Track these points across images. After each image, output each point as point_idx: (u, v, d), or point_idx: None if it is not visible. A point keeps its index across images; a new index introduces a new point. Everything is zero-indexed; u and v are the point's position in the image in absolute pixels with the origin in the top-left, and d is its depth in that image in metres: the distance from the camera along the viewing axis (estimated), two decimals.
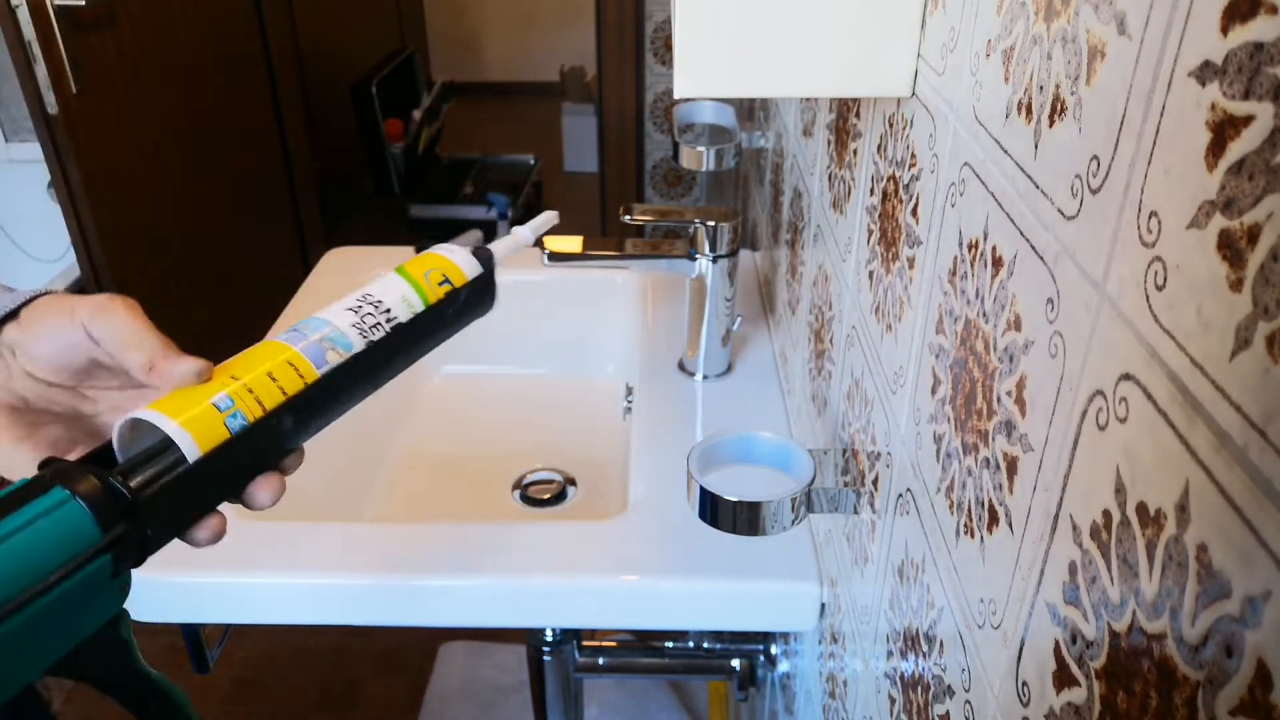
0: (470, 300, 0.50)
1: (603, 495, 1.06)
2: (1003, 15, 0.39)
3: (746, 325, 1.09)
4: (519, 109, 4.70)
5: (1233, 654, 0.22)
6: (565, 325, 1.24)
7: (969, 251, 0.42)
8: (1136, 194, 0.28)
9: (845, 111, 0.70)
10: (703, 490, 0.59)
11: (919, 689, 0.49)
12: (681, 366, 1.04)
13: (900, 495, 0.53)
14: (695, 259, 0.97)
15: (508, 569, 0.76)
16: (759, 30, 0.50)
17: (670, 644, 1.01)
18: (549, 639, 0.98)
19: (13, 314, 0.45)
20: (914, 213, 0.51)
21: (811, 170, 0.84)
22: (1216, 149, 0.23)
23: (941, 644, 0.45)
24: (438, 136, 3.65)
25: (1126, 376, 0.28)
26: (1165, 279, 0.26)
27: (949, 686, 0.44)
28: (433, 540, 0.79)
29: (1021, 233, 0.36)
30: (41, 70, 1.62)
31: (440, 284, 0.49)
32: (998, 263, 0.39)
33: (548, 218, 0.58)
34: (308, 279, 1.23)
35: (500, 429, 1.18)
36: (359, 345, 0.45)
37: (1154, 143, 0.27)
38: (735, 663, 1.00)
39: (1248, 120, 0.22)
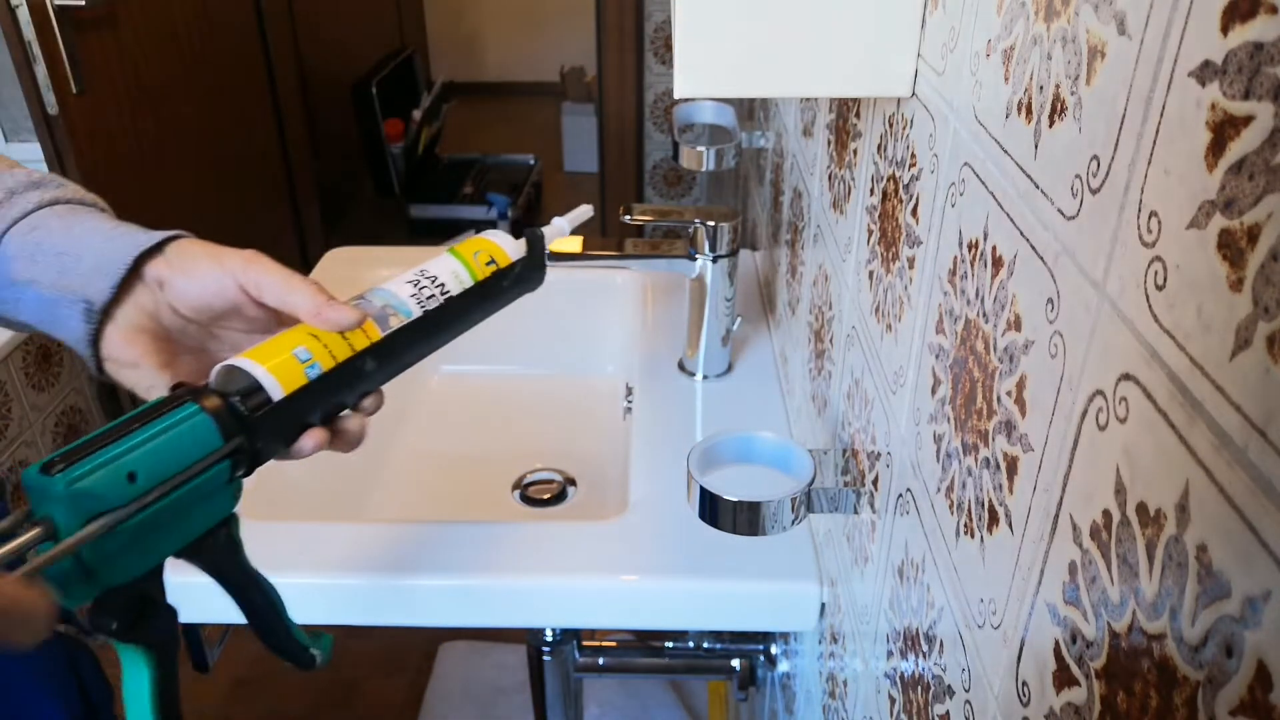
0: (519, 277, 0.57)
1: (603, 495, 1.06)
2: (1003, 15, 0.39)
3: (746, 325, 1.09)
4: (519, 109, 4.70)
5: (1233, 654, 0.22)
6: (565, 325, 1.24)
7: (969, 251, 0.42)
8: (1136, 194, 0.28)
9: (845, 111, 0.70)
10: (703, 490, 0.59)
11: (919, 689, 0.49)
12: (681, 366, 1.04)
13: (900, 495, 0.53)
14: (695, 259, 0.97)
15: (508, 569, 0.76)
16: (759, 30, 0.50)
17: (670, 644, 1.01)
18: (549, 639, 0.98)
19: (157, 248, 0.50)
20: (914, 213, 0.51)
21: (811, 170, 0.84)
22: (1216, 149, 0.23)
23: (941, 644, 0.45)
24: (438, 136, 3.65)
25: (1126, 376, 0.28)
26: (1165, 279, 0.26)
27: (949, 686, 0.44)
28: (433, 540, 0.79)
29: (1021, 233, 0.36)
30: (41, 70, 1.61)
31: (487, 264, 0.56)
32: (998, 263, 0.39)
33: (583, 211, 0.64)
34: None
35: (500, 429, 1.18)
36: (417, 313, 0.53)
37: (1154, 143, 0.27)
38: (735, 663, 1.00)
39: (1248, 120, 0.22)
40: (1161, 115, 0.26)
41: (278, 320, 0.52)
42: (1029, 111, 0.36)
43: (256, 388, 0.45)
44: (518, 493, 1.07)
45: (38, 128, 1.66)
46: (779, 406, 0.97)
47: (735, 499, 0.58)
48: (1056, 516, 0.33)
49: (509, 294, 0.58)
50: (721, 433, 0.63)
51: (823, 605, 0.75)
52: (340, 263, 1.27)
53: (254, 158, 2.41)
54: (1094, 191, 0.30)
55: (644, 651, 1.02)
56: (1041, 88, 0.35)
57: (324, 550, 0.78)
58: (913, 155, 0.52)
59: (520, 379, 1.24)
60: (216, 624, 0.86)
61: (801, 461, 0.62)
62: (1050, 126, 0.34)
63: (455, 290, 0.55)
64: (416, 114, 3.41)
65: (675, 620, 0.79)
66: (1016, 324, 0.37)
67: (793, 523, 0.60)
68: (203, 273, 0.50)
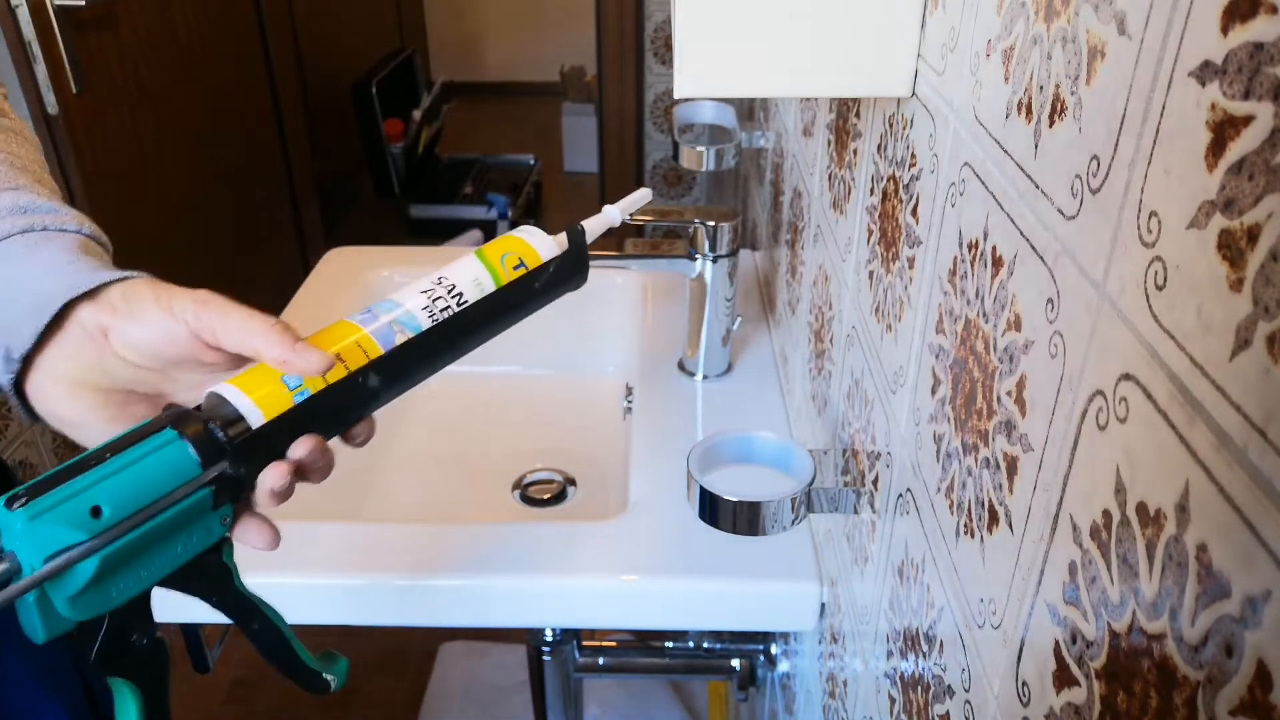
0: (554, 278, 0.52)
1: (603, 495, 1.06)
2: (1003, 15, 0.39)
3: (746, 325, 1.09)
4: (519, 109, 4.70)
5: (1233, 654, 0.22)
6: (565, 325, 1.24)
7: (969, 251, 0.42)
8: (1136, 194, 0.28)
9: (845, 111, 0.70)
10: (703, 490, 0.59)
11: (919, 689, 0.49)
12: (681, 366, 1.04)
13: (900, 495, 0.53)
14: (695, 259, 0.97)
15: (508, 569, 0.76)
16: (759, 30, 0.50)
17: (670, 644, 1.01)
18: (549, 639, 0.98)
19: (97, 291, 0.46)
20: (914, 213, 0.51)
21: (811, 170, 0.84)
22: (1216, 149, 0.23)
23: (941, 644, 0.45)
24: (438, 136, 3.65)
25: (1126, 376, 0.28)
26: (1165, 279, 0.26)
27: (949, 686, 0.44)
28: (432, 540, 0.79)
29: (1021, 233, 0.36)
30: (41, 70, 1.61)
31: (515, 267, 0.51)
32: (998, 263, 0.39)
33: (641, 195, 0.61)
34: (308, 279, 1.23)
35: (500, 429, 1.18)
36: (426, 325, 0.48)
37: (1154, 143, 0.27)
38: (735, 663, 1.01)
39: (1248, 120, 0.22)
40: (1161, 115, 0.26)
41: (240, 363, 0.48)
42: (1029, 111, 0.36)
43: (238, 414, 0.43)
44: (518, 493, 1.07)
45: (38, 128, 1.66)
46: (779, 406, 0.97)
47: (735, 499, 0.58)
48: (1056, 516, 0.33)
49: (542, 297, 0.53)
50: (721, 433, 0.63)
51: (823, 605, 0.75)
52: (340, 263, 1.27)
53: (254, 158, 2.40)
54: (1094, 191, 0.30)
55: (644, 651, 1.02)
56: (1041, 88, 0.35)
57: (324, 550, 0.78)
58: (913, 155, 0.52)
59: (520, 379, 1.24)
60: (216, 624, 0.86)
61: (801, 461, 0.62)
62: (1050, 126, 0.34)
63: (473, 298, 0.50)
64: (416, 114, 3.41)
65: (675, 620, 0.79)
66: (1016, 324, 0.37)
67: (793, 523, 0.60)
68: (150, 319, 0.46)
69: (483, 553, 0.78)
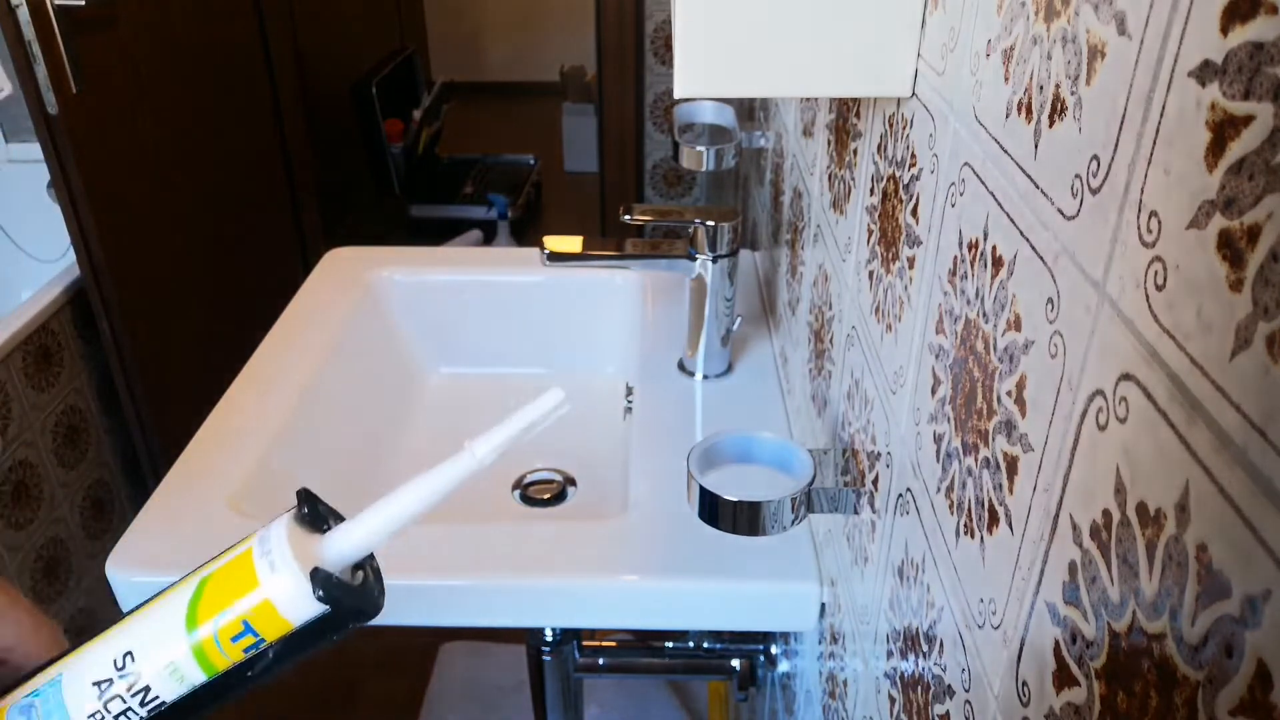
0: (305, 641, 0.35)
1: (603, 495, 1.06)
2: (1003, 15, 0.39)
3: (746, 325, 1.09)
4: (519, 109, 4.70)
5: (1233, 654, 0.22)
6: (565, 325, 1.24)
7: (969, 251, 0.42)
8: (1136, 194, 0.28)
9: (845, 111, 0.70)
10: (703, 490, 0.59)
11: (919, 689, 0.49)
12: (681, 366, 1.04)
13: (900, 495, 0.53)
14: (695, 259, 0.97)
15: (508, 569, 0.76)
16: (759, 30, 0.50)
17: (670, 644, 1.01)
18: (549, 639, 0.98)
19: None
20: (914, 213, 0.51)
21: (811, 170, 0.84)
22: (1216, 149, 0.23)
23: (941, 644, 0.45)
24: (438, 136, 3.65)
25: (1126, 376, 0.28)
26: (1165, 279, 0.26)
27: (949, 686, 0.44)
28: (432, 540, 0.79)
29: (1021, 233, 0.36)
30: (41, 70, 1.61)
31: (241, 644, 0.34)
32: (998, 263, 0.39)
33: (548, 399, 0.40)
34: (308, 279, 1.23)
35: None
36: None
37: (1154, 143, 0.27)
38: (735, 663, 1.00)
39: (1248, 120, 0.22)
40: (1161, 115, 0.26)
41: None
42: (1029, 111, 0.36)
43: None
44: (518, 493, 1.07)
45: (38, 128, 1.66)
46: (779, 406, 0.97)
47: (735, 499, 0.58)
48: (1056, 516, 0.33)
49: (285, 663, 0.36)
50: (721, 433, 0.63)
51: (823, 605, 0.75)
52: (340, 262, 1.27)
53: (254, 158, 2.40)
54: (1094, 191, 0.30)
55: (644, 651, 1.02)
56: (1041, 88, 0.35)
57: None
58: (913, 155, 0.52)
59: (520, 379, 1.24)
60: None
61: (801, 461, 0.62)
62: (1050, 126, 0.34)
63: (169, 696, 0.34)
64: (416, 114, 3.42)
65: (675, 620, 0.79)
66: (1016, 324, 0.37)
67: (793, 523, 0.60)
68: None
69: (483, 553, 0.78)
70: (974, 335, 0.41)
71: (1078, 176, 0.32)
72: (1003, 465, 0.38)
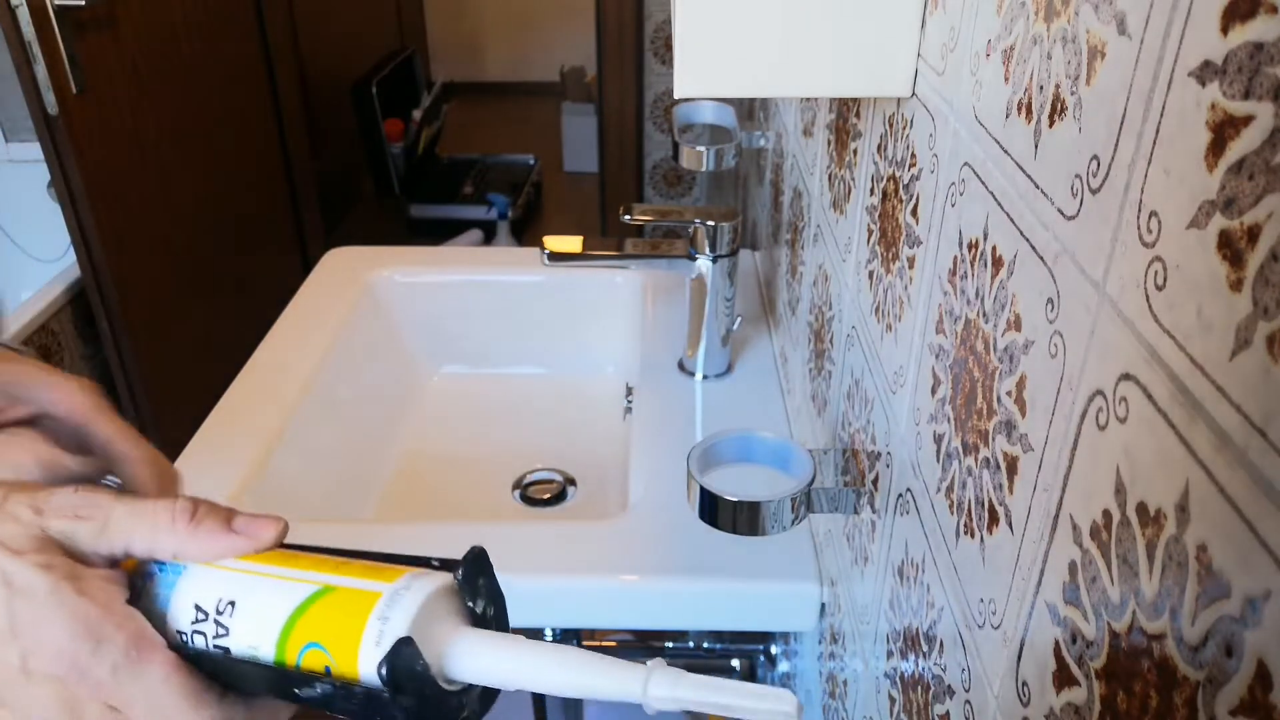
0: (351, 706, 0.34)
1: (603, 495, 1.06)
2: (1003, 15, 0.39)
3: (746, 325, 1.09)
4: (519, 109, 4.70)
5: (1233, 654, 0.22)
6: (565, 325, 1.24)
7: (969, 251, 0.42)
8: (1136, 194, 0.28)
9: (845, 111, 0.70)
10: (703, 490, 0.59)
11: (919, 689, 0.49)
12: (681, 366, 1.04)
13: (900, 495, 0.53)
14: (695, 259, 0.97)
15: (508, 569, 0.76)
16: (759, 30, 0.50)
17: (670, 644, 1.01)
18: (549, 639, 0.98)
19: None
20: (914, 213, 0.51)
21: (811, 170, 0.84)
22: (1216, 149, 0.23)
23: (941, 644, 0.45)
24: (438, 136, 3.65)
25: (1126, 376, 0.28)
26: (1165, 279, 0.26)
27: (949, 686, 0.44)
28: (433, 540, 0.79)
29: (1021, 233, 0.36)
30: (41, 70, 1.61)
31: (314, 659, 0.35)
32: (998, 263, 0.39)
33: (778, 704, 0.31)
34: (308, 279, 1.23)
35: (500, 429, 1.18)
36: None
37: (1154, 143, 0.27)
38: (735, 663, 1.01)
39: (1248, 120, 0.22)
40: (1161, 115, 0.26)
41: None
42: (1029, 111, 0.36)
43: None
44: (518, 493, 1.07)
45: (38, 128, 1.66)
46: (779, 406, 0.97)
47: (735, 499, 0.58)
48: (1056, 516, 0.33)
49: (337, 706, 0.35)
50: (721, 433, 0.63)
51: (823, 605, 0.75)
52: (340, 263, 1.27)
53: (254, 158, 2.40)
54: (1094, 191, 0.30)
55: (644, 651, 1.02)
56: (1041, 88, 0.35)
57: None
58: (913, 155, 0.52)
59: (520, 379, 1.24)
60: None
61: (801, 461, 0.62)
62: (1050, 126, 0.34)
63: (239, 651, 0.36)
64: (416, 114, 3.41)
65: (675, 620, 0.79)
66: (1016, 324, 0.37)
67: (793, 523, 0.60)
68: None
69: None
70: (974, 335, 0.41)
71: (1078, 176, 0.32)
72: (1003, 465, 0.38)
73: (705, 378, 1.02)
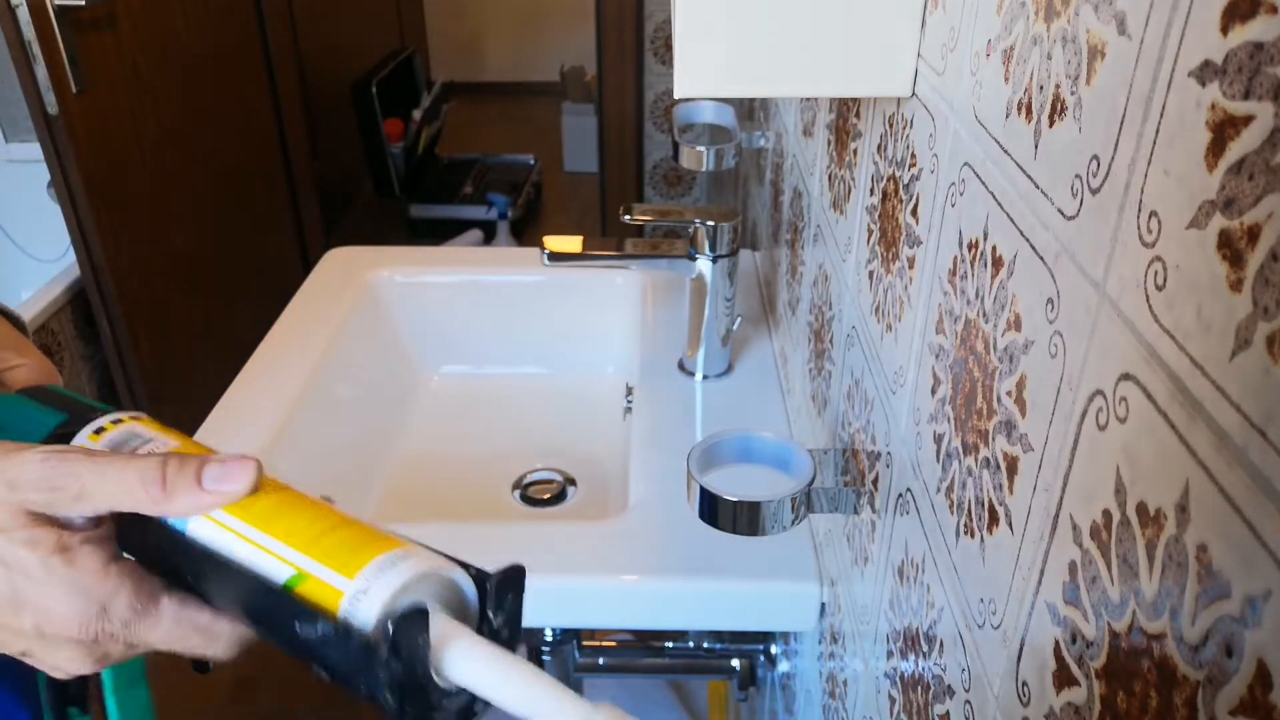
0: (339, 658, 0.33)
1: (603, 495, 1.06)
2: (1003, 15, 0.39)
3: (746, 325, 1.09)
4: (519, 109, 4.70)
5: (1233, 654, 0.22)
6: (565, 325, 1.24)
7: (969, 251, 0.42)
8: (1136, 194, 0.28)
9: (845, 111, 0.70)
10: (703, 490, 0.59)
11: (919, 689, 0.49)
12: (681, 366, 1.04)
13: (900, 495, 0.53)
14: (695, 259, 0.97)
15: None
16: (759, 30, 0.50)
17: (670, 644, 1.01)
18: (549, 639, 0.98)
19: None
20: (914, 213, 0.51)
21: (811, 170, 0.83)
22: (1216, 149, 0.23)
23: (941, 644, 0.45)
24: (438, 136, 3.65)
25: (1126, 376, 0.28)
26: (1165, 279, 0.26)
27: (949, 686, 0.44)
28: (433, 540, 0.79)
29: (1021, 233, 0.36)
30: (41, 70, 1.61)
31: (314, 598, 0.34)
32: (998, 263, 0.39)
33: None
34: (308, 279, 1.23)
35: (500, 429, 1.18)
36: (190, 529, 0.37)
37: (1154, 143, 0.27)
38: (735, 663, 1.00)
39: (1248, 120, 0.22)
40: (1161, 115, 0.26)
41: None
42: (1029, 111, 0.36)
43: None
44: (518, 493, 1.07)
45: (38, 128, 1.66)
46: (779, 406, 0.97)
47: (735, 499, 0.58)
48: (1056, 516, 0.33)
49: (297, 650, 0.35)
50: (721, 433, 0.63)
51: (823, 605, 0.75)
52: (340, 263, 1.27)
53: (254, 158, 2.40)
54: (1094, 191, 0.30)
55: (644, 651, 1.02)
56: (1041, 88, 0.35)
57: None
58: (913, 155, 0.52)
59: (520, 379, 1.24)
60: None
61: (801, 461, 0.62)
62: (1050, 126, 0.34)
63: (240, 561, 0.36)
64: (416, 114, 3.41)
65: (675, 620, 0.79)
66: (1016, 324, 0.37)
67: (793, 523, 0.60)
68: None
69: (483, 553, 0.78)
70: (974, 335, 0.41)
71: (1078, 176, 0.32)
72: (1003, 465, 0.38)
73: (705, 378, 1.02)
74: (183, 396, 2.00)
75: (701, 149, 1.04)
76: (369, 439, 1.09)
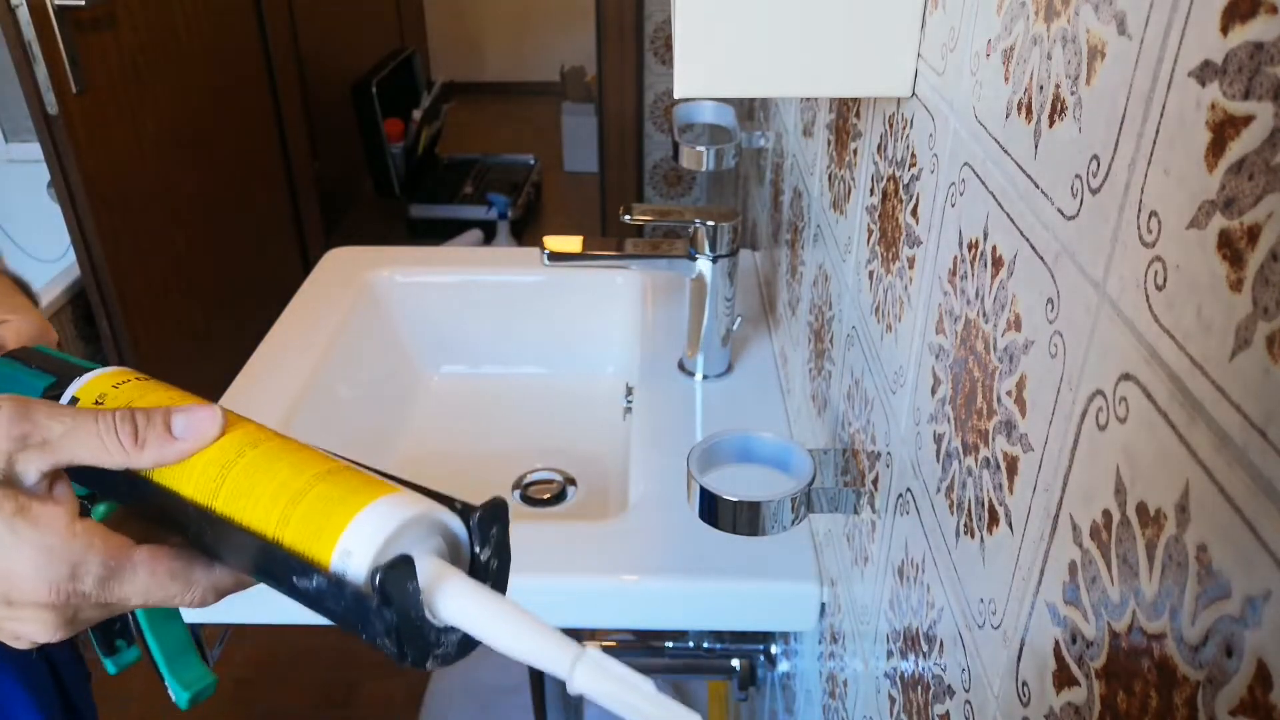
0: (337, 607, 0.34)
1: (603, 495, 1.06)
2: (1003, 15, 0.39)
3: (746, 325, 1.09)
4: (519, 109, 4.70)
5: (1233, 654, 0.22)
6: (565, 325, 1.24)
7: (969, 251, 0.42)
8: (1136, 194, 0.28)
9: (845, 111, 0.70)
10: (703, 490, 0.59)
11: (919, 689, 0.49)
12: (681, 366, 1.04)
13: (900, 495, 0.53)
14: (695, 259, 0.97)
15: None
16: (759, 30, 0.50)
17: (670, 644, 1.01)
18: None
19: None
20: (914, 213, 0.51)
21: (811, 170, 0.83)
22: (1216, 149, 0.23)
23: (941, 644, 0.45)
24: (438, 136, 3.65)
25: (1126, 376, 0.28)
26: (1165, 279, 0.26)
27: (949, 686, 0.44)
28: None
29: (1021, 233, 0.36)
30: (41, 70, 1.61)
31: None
32: (998, 263, 0.39)
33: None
34: (308, 279, 1.23)
35: (500, 429, 1.18)
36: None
37: (1154, 143, 0.27)
38: (735, 663, 1.00)
39: (1248, 120, 0.22)
40: (1161, 115, 0.26)
41: None
42: (1029, 111, 0.36)
43: None
44: (518, 493, 1.07)
45: (38, 128, 1.66)
46: (779, 406, 0.97)
47: (735, 499, 0.58)
48: (1056, 516, 0.33)
49: (308, 603, 0.35)
50: (721, 433, 0.63)
51: (823, 605, 0.75)
52: (340, 262, 1.27)
53: (254, 158, 2.41)
54: (1094, 191, 0.30)
55: (644, 651, 1.02)
56: (1041, 88, 0.35)
57: None
58: (913, 155, 0.52)
59: (520, 379, 1.24)
60: (216, 624, 0.86)
61: (801, 461, 0.62)
62: (1050, 126, 0.34)
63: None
64: (416, 114, 3.41)
65: (675, 620, 0.79)
66: (1016, 324, 0.37)
67: (793, 523, 0.60)
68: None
69: None
70: (974, 335, 0.41)
71: (1078, 176, 0.32)
72: (1003, 465, 0.38)
73: (705, 378, 1.02)
74: None
75: (701, 149, 1.04)
76: (369, 439, 1.09)
